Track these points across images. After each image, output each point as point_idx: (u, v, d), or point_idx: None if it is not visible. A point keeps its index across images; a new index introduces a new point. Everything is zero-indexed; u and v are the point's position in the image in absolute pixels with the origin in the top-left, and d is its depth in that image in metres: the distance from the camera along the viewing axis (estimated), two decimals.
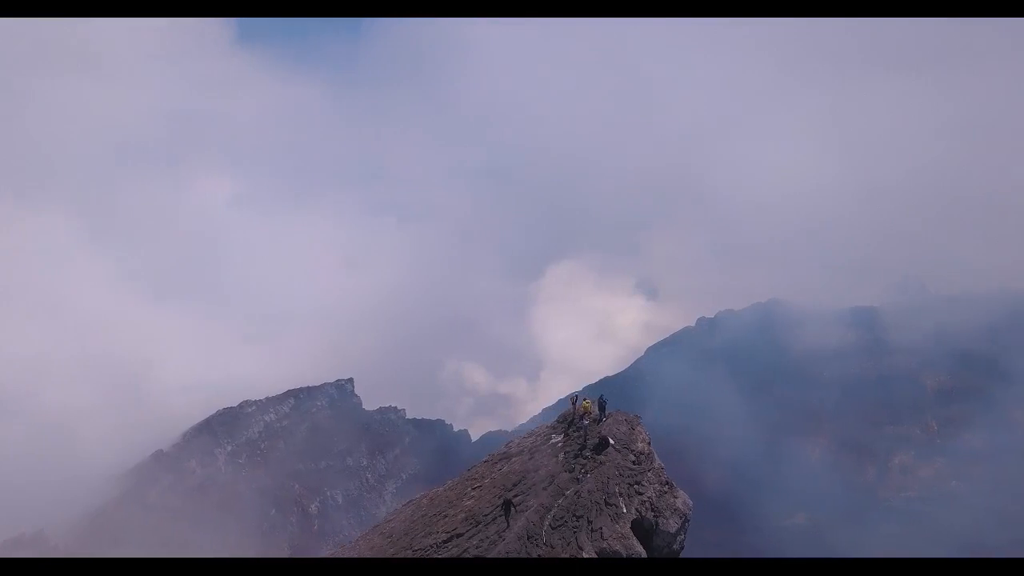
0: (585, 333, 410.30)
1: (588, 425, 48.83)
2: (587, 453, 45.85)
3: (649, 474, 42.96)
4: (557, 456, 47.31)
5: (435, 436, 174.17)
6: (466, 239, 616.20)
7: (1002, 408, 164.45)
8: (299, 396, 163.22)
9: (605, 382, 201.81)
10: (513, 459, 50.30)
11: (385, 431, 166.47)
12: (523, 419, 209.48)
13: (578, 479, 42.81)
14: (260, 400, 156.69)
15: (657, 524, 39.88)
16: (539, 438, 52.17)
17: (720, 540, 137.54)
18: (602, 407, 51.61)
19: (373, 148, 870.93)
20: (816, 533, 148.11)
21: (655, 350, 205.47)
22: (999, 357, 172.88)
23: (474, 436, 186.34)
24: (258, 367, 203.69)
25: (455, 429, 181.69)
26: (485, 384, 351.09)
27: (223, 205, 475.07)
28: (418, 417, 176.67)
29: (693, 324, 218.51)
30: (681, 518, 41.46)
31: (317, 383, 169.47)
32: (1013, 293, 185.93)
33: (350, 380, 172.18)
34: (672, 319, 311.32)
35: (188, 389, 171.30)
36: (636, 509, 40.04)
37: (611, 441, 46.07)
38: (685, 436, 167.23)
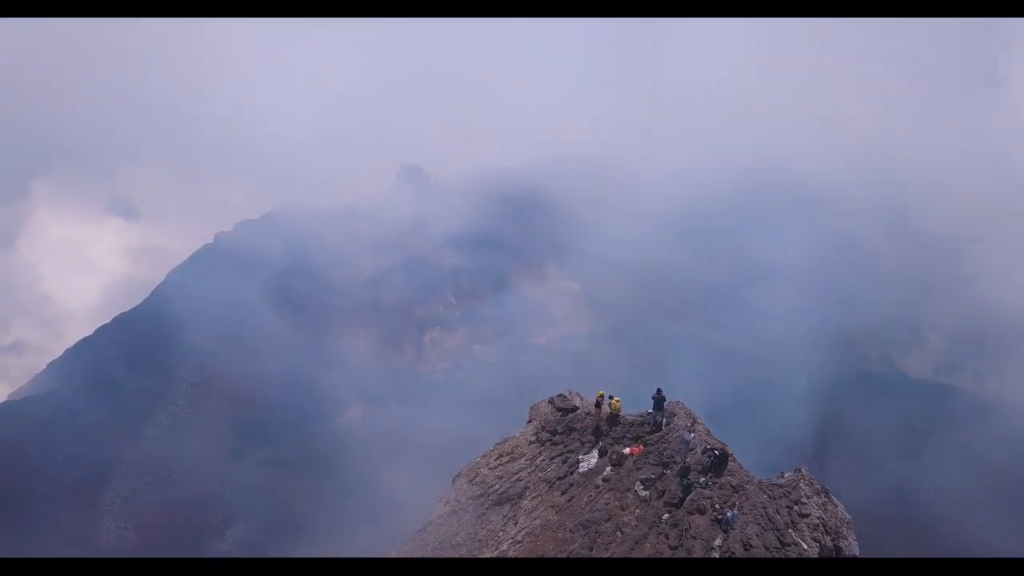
0: (82, 265, 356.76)
1: (693, 437, 36.81)
2: (699, 479, 33.88)
3: (802, 485, 32.73)
4: (632, 490, 34.67)
5: None
6: None
7: (506, 278, 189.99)
8: None
9: (124, 318, 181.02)
10: (521, 505, 35.58)
11: None
12: (36, 373, 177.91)
13: (719, 520, 31.74)
14: None
15: (840, 552, 30.37)
16: (534, 461, 37.98)
17: (296, 456, 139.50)
18: (660, 404, 39.66)
19: None
20: (371, 423, 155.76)
21: (178, 273, 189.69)
22: (500, 234, 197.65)
23: None
24: None
25: None
26: None
27: None
28: None
29: (212, 241, 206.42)
30: (853, 531, 32.86)
31: None
32: (508, 177, 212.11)
33: None
34: (178, 241, 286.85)
35: None
36: (814, 539, 30.59)
37: (730, 452, 35.25)
38: (231, 358, 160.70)
